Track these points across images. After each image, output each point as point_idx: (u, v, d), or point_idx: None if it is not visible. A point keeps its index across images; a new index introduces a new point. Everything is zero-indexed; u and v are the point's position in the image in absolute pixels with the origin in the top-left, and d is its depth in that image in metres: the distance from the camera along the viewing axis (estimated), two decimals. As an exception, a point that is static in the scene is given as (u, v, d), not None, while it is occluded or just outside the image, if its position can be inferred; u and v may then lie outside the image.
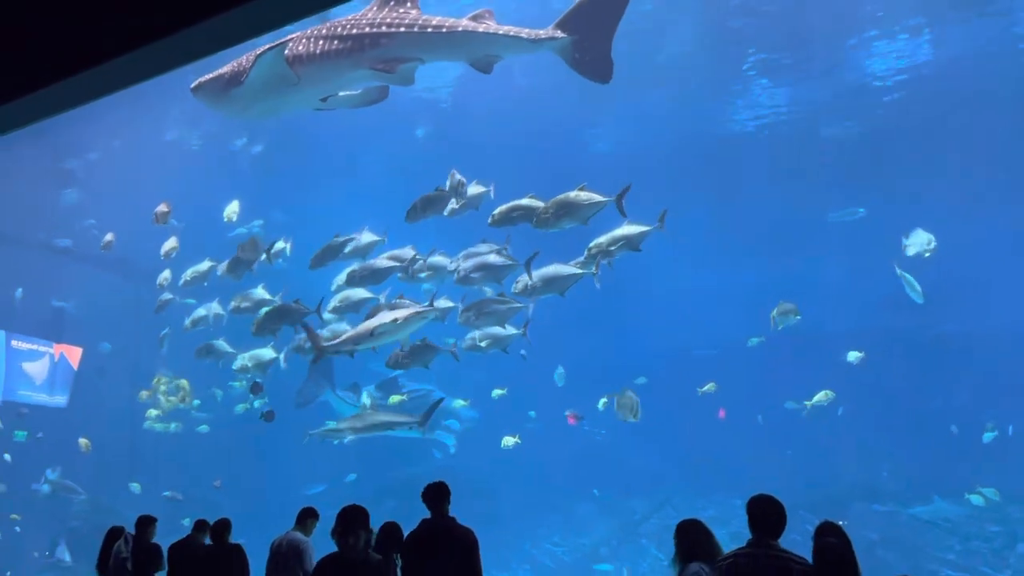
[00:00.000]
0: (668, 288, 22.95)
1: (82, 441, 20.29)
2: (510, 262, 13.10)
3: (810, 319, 16.42)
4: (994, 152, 18.34)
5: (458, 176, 12.64)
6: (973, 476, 17.00)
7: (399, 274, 14.37)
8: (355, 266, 14.75)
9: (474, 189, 13.06)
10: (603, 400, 23.58)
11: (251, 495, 18.89)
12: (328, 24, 10.45)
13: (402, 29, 10.05)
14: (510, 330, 14.16)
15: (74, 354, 21.78)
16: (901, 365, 19.71)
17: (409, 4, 10.31)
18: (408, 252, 14.23)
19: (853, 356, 16.70)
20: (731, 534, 5.37)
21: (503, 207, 12.08)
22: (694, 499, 20.28)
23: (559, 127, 20.93)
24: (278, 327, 15.07)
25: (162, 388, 20.52)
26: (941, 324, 20.25)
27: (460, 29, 10.04)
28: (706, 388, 18.80)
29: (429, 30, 10.03)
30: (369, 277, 14.49)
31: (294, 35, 10.58)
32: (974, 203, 19.09)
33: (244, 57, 10.61)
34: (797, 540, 5.33)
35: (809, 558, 4.97)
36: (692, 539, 5.58)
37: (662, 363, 21.72)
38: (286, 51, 10.20)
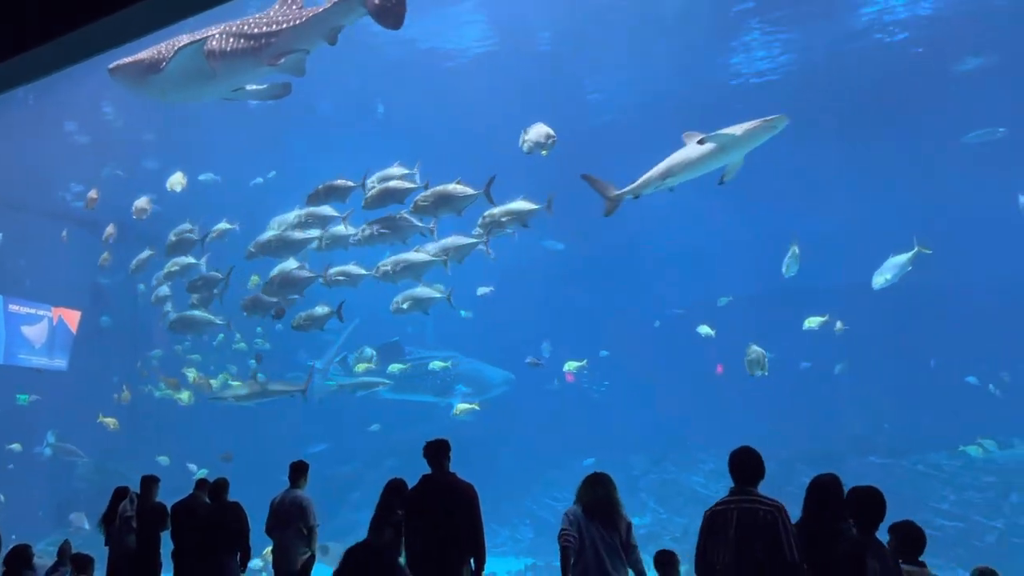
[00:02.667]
0: (676, 242, 22.92)
1: (109, 420, 20.48)
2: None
3: (810, 273, 16.43)
4: (987, 104, 18.14)
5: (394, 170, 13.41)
6: (970, 428, 17.16)
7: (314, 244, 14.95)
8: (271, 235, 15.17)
9: (398, 184, 13.38)
10: (604, 352, 23.83)
11: (252, 456, 19.04)
12: (240, 21, 11.16)
13: (285, 25, 11.00)
14: (433, 292, 14.81)
15: (72, 317, 21.74)
16: (898, 319, 19.75)
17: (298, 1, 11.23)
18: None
19: (814, 322, 16.65)
20: (727, 487, 5.50)
21: (374, 191, 13.20)
22: (694, 453, 20.48)
23: (557, 82, 20.73)
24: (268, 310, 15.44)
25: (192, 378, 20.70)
26: (938, 278, 20.26)
27: (320, 10, 10.94)
28: (706, 332, 18.90)
29: (299, 22, 10.98)
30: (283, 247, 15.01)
31: (213, 30, 11.11)
32: (975, 156, 18.94)
33: (164, 45, 11.06)
34: (793, 492, 5.42)
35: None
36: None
37: (672, 315, 21.79)
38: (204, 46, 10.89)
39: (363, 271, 14.96)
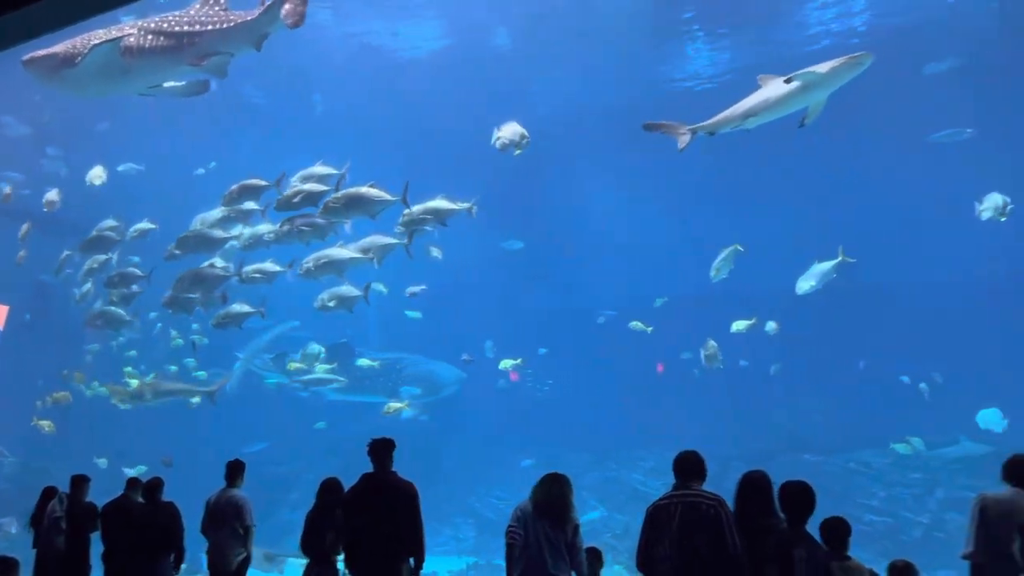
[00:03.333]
0: (619, 241, 23.16)
1: (44, 423, 19.89)
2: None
3: (748, 275, 16.78)
4: (924, 112, 18.74)
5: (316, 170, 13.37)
6: (899, 426, 17.73)
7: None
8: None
9: (313, 187, 13.26)
10: (542, 350, 24.01)
11: (189, 454, 18.64)
12: (158, 19, 11.02)
13: (209, 27, 10.94)
14: (354, 290, 14.90)
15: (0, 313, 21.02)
16: (831, 321, 20.29)
17: (222, 2, 11.19)
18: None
19: (741, 325, 17.06)
20: (667, 484, 5.63)
21: (288, 193, 13.17)
22: (635, 451, 20.73)
23: (505, 82, 20.78)
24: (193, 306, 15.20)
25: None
26: (869, 278, 20.90)
27: (248, 18, 10.94)
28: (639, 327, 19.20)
29: (225, 26, 10.94)
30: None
31: (129, 27, 10.98)
32: (897, 161, 19.57)
33: (79, 40, 10.87)
34: (730, 489, 5.56)
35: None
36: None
37: (612, 315, 22.02)
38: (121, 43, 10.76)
39: (279, 268, 14.90)
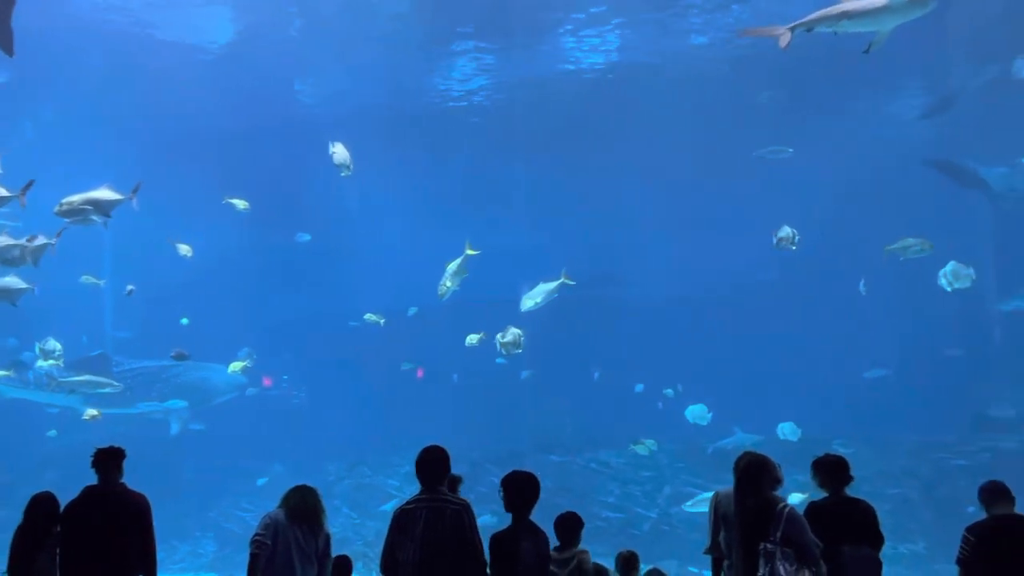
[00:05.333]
0: (380, 247, 22.98)
1: None
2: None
3: (498, 285, 17.38)
4: (654, 135, 20.48)
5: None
6: (636, 429, 19.17)
7: None
8: None
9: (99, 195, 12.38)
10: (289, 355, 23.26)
11: None
12: None
13: None
14: (21, 283, 13.88)
15: None
16: (578, 331, 21.61)
17: None
18: None
19: (474, 339, 17.63)
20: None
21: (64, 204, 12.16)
22: (390, 456, 20.68)
23: (266, 81, 19.98)
24: None
25: None
26: (607, 291, 22.55)
27: None
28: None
29: None
30: None
31: None
32: (641, 183, 21.30)
33: None
34: (484, 492, 5.70)
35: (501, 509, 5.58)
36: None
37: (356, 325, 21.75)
38: None
39: None
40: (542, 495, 5.58)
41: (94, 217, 12.26)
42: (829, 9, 10.35)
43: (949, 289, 14.94)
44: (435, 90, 21.19)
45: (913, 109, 20.62)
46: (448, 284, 15.37)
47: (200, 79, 19.20)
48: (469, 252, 15.09)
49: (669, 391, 20.00)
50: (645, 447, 18.11)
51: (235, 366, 19.89)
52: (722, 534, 5.66)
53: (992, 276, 19.31)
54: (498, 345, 14.72)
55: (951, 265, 14.87)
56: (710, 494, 16.97)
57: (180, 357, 17.65)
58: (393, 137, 20.64)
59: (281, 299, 24.22)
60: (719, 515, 5.69)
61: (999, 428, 18.57)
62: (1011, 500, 5.82)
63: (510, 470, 5.69)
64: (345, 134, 19.89)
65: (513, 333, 14.42)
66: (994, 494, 5.87)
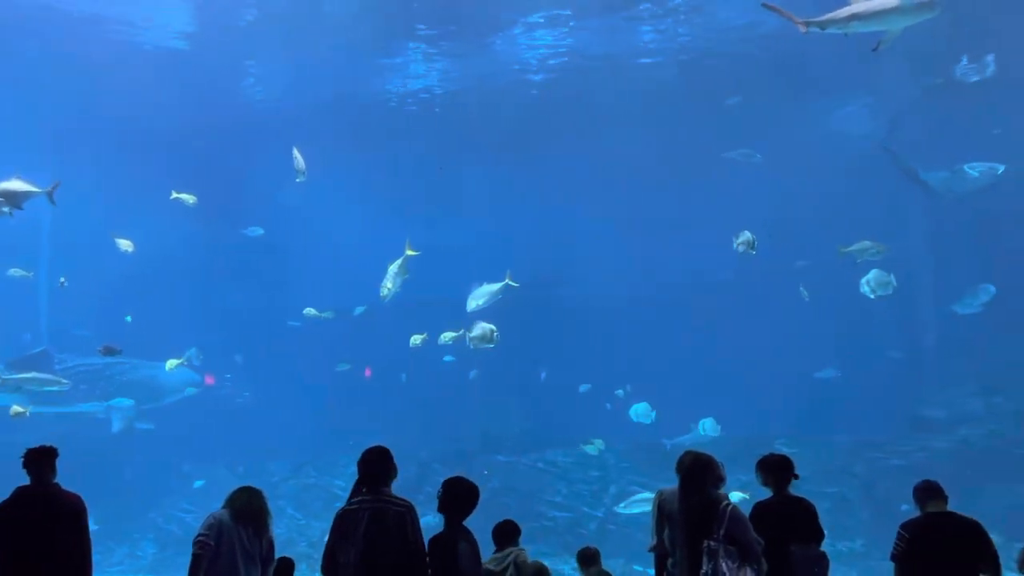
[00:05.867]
0: (329, 244, 22.70)
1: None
2: None
3: (448, 284, 17.34)
4: (604, 141, 20.66)
5: None
6: (585, 429, 19.29)
7: None
8: None
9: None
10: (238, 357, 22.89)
11: None
12: None
13: None
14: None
15: None
16: (525, 331, 21.59)
17: None
18: None
19: (417, 339, 17.59)
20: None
21: None
22: (337, 457, 20.48)
23: (215, 75, 19.62)
24: None
25: None
26: (558, 291, 22.64)
27: None
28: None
29: None
30: None
31: None
32: (593, 183, 21.46)
33: None
34: (431, 492, 5.68)
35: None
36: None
37: (310, 320, 21.48)
38: None
39: None
40: (489, 495, 5.62)
41: (4, 208, 11.94)
42: (840, 11, 10.88)
43: (872, 296, 15.38)
44: (386, 87, 21.09)
45: (858, 116, 21.19)
46: (389, 286, 15.27)
47: (147, 72, 18.81)
48: (409, 253, 15.01)
49: (620, 392, 20.14)
50: (594, 447, 18.25)
51: (171, 363, 19.45)
52: (666, 532, 5.73)
53: (930, 278, 19.93)
54: (467, 340, 14.57)
55: (873, 273, 15.31)
56: (645, 495, 17.38)
57: (109, 352, 17.00)
58: (343, 133, 20.47)
59: (229, 296, 23.78)
60: (663, 513, 5.75)
61: (933, 428, 19.16)
62: (943, 498, 6.01)
63: (458, 471, 5.71)
64: (294, 129, 19.77)
65: (483, 328, 14.27)
66: (927, 493, 6.05)
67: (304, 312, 19.86)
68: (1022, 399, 18.65)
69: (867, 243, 15.42)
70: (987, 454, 17.76)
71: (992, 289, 18.44)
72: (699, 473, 5.50)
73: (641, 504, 16.30)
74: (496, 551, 6.04)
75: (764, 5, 11.86)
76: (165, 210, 17.49)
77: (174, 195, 16.35)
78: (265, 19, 18.21)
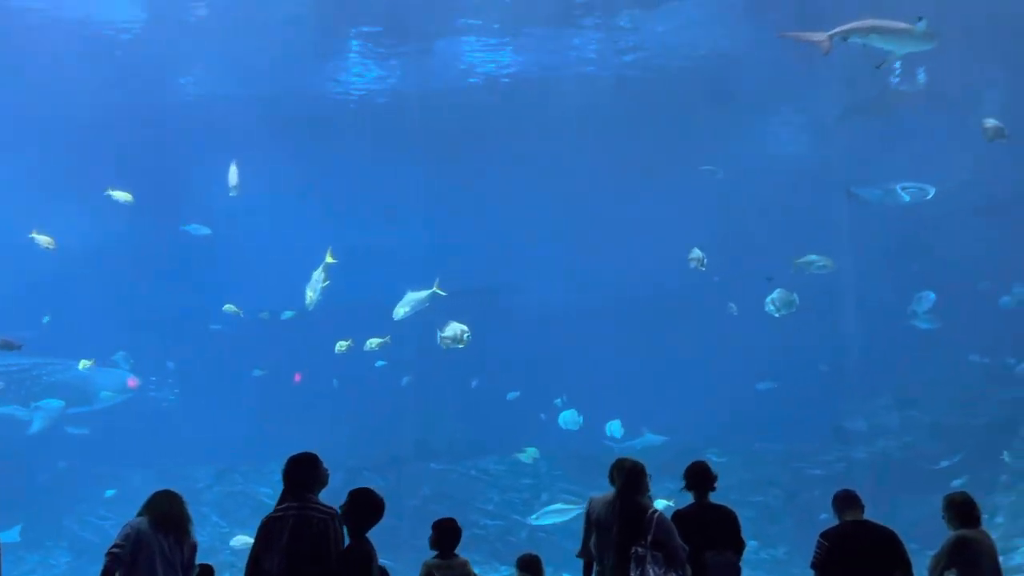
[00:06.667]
0: (265, 245, 22.24)
1: None
2: None
3: (381, 288, 17.22)
4: (553, 153, 20.83)
5: None
6: (520, 436, 19.33)
7: None
8: None
9: None
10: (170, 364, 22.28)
11: None
12: None
13: None
14: None
15: None
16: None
17: None
18: None
19: (343, 346, 17.44)
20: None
21: None
22: (265, 463, 20.07)
23: (145, 69, 19.10)
24: None
25: None
26: (498, 298, 22.65)
27: None
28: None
29: None
30: None
31: None
32: (535, 192, 21.52)
33: None
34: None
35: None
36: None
37: (237, 322, 21.03)
38: None
39: None
40: (421, 502, 5.59)
41: None
42: (863, 21, 11.69)
43: (777, 315, 15.96)
44: (330, 89, 20.84)
45: (789, 133, 21.83)
46: (311, 294, 15.14)
47: (78, 61, 18.19)
48: (329, 260, 14.86)
49: (558, 401, 20.22)
50: (528, 455, 18.32)
51: (84, 364, 18.78)
52: (593, 538, 5.83)
53: (853, 293, 20.57)
54: (438, 339, 14.51)
55: (777, 292, 15.94)
56: (557, 506, 17.62)
57: (7, 346, 16.16)
58: (284, 133, 20.13)
59: (158, 296, 23.04)
60: (592, 520, 5.85)
61: (853, 440, 19.84)
62: (860, 507, 6.22)
63: (388, 478, 5.67)
64: (234, 128, 19.39)
65: (455, 328, 14.21)
66: (845, 502, 6.26)
67: (224, 308, 19.38)
68: (936, 412, 19.45)
69: (814, 257, 16.33)
70: (903, 465, 18.47)
71: (932, 296, 19.02)
72: (636, 480, 5.68)
73: (553, 515, 16.55)
74: (438, 556, 5.95)
75: (781, 35, 12.61)
76: (93, 206, 16.96)
77: (109, 192, 15.85)
78: (204, 16, 17.83)
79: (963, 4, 15.87)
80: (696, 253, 15.50)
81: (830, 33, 11.76)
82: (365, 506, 5.33)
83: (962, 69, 17.60)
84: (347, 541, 5.26)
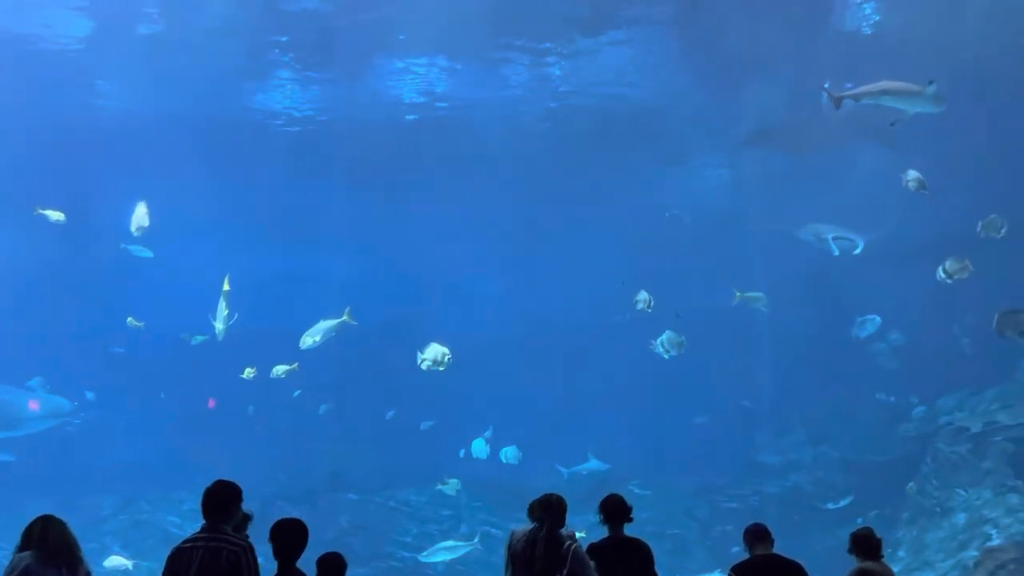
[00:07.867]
0: (181, 266, 21.57)
1: None
2: None
3: (302, 314, 16.94)
4: (478, 184, 20.92)
5: None
6: (441, 467, 19.11)
7: None
8: None
9: None
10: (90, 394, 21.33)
11: None
12: None
13: None
14: None
15: None
16: (381, 366, 21.22)
17: None
18: None
19: (249, 372, 17.31)
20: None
21: None
22: (173, 491, 19.34)
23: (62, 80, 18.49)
24: None
25: None
26: (417, 328, 22.45)
27: None
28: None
29: None
30: None
31: None
32: (450, 227, 21.56)
33: None
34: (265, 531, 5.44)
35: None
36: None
37: (150, 346, 20.35)
38: None
39: None
40: (337, 534, 5.49)
41: None
42: (874, 85, 12.58)
43: (666, 356, 16.42)
44: (255, 111, 20.48)
45: (710, 172, 22.46)
46: (219, 326, 14.87)
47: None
48: (226, 288, 14.57)
49: (487, 433, 20.12)
50: (451, 486, 18.17)
51: None
52: (509, 571, 5.87)
53: (767, 331, 21.13)
54: (418, 361, 14.33)
55: (667, 334, 16.40)
56: (448, 543, 17.64)
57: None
58: (203, 153, 19.65)
59: (68, 318, 22.03)
60: (511, 552, 5.88)
61: (767, 474, 20.33)
62: (770, 541, 6.38)
63: (304, 508, 5.55)
64: (152, 144, 18.87)
65: (436, 350, 14.05)
66: (756, 536, 6.42)
67: (127, 322, 18.73)
68: (845, 448, 20.09)
69: (754, 294, 17.64)
70: (813, 500, 19.00)
71: (877, 320, 19.59)
72: (559, 514, 5.85)
73: (444, 552, 16.52)
74: None
75: (824, 89, 13.55)
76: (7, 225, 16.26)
77: (38, 211, 15.27)
78: (116, 33, 17.38)
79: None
80: (643, 295, 16.11)
81: (841, 95, 12.81)
82: (294, 534, 5.24)
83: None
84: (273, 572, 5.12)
